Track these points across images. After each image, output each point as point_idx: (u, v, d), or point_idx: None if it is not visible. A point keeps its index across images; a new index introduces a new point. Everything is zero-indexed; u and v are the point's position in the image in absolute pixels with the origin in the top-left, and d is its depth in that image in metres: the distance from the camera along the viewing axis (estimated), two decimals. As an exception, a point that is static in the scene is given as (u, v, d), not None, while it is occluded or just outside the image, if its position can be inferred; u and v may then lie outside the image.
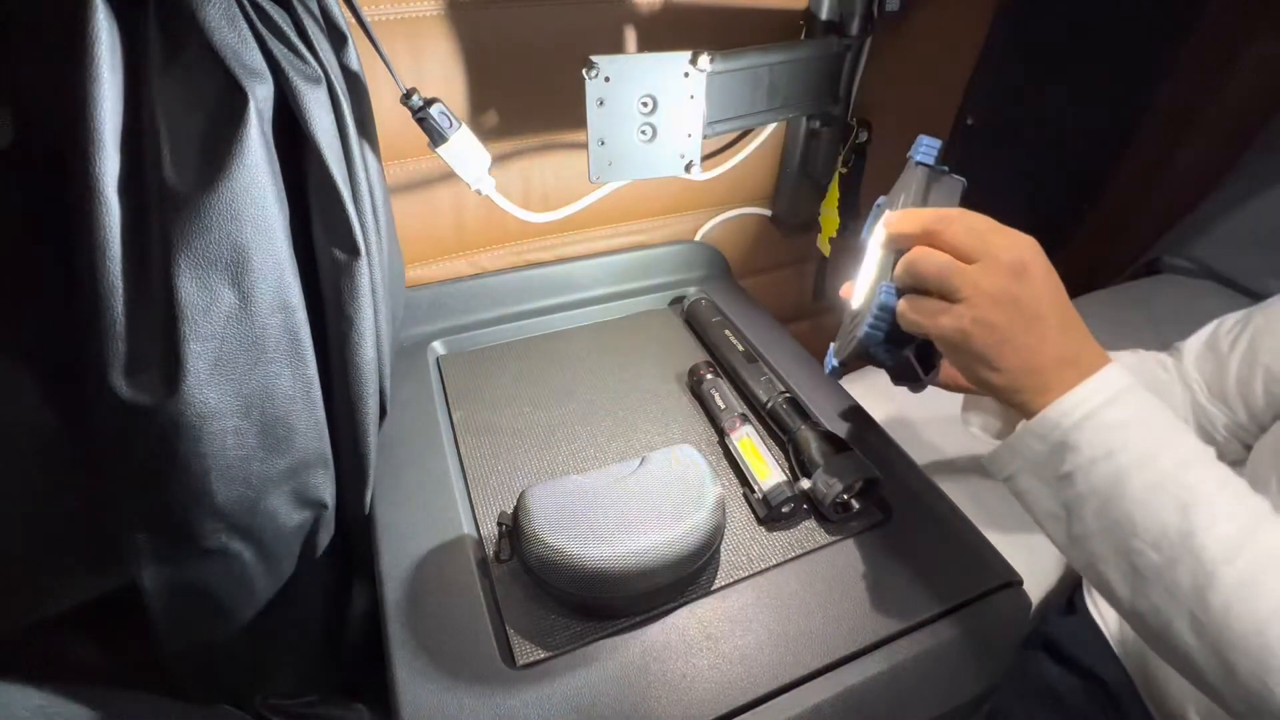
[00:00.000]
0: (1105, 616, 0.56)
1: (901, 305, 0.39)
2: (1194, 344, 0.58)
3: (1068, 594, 0.61)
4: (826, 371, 0.47)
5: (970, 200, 0.45)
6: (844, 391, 0.61)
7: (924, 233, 0.38)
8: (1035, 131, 1.01)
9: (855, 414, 0.59)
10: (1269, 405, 0.51)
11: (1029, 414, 0.37)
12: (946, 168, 0.43)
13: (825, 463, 0.48)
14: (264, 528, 0.45)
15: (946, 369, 0.50)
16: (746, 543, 0.49)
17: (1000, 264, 0.36)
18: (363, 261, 0.43)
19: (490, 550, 0.47)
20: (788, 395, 0.57)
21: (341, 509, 0.51)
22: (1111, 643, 0.54)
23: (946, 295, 0.37)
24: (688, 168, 0.65)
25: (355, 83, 0.44)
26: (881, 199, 0.50)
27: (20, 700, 0.35)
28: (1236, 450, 0.55)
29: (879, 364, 0.45)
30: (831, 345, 0.48)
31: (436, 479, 0.52)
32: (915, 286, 0.38)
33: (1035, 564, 0.64)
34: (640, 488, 0.44)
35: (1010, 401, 0.38)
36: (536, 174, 0.67)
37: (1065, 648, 0.55)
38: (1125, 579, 0.35)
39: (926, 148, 0.43)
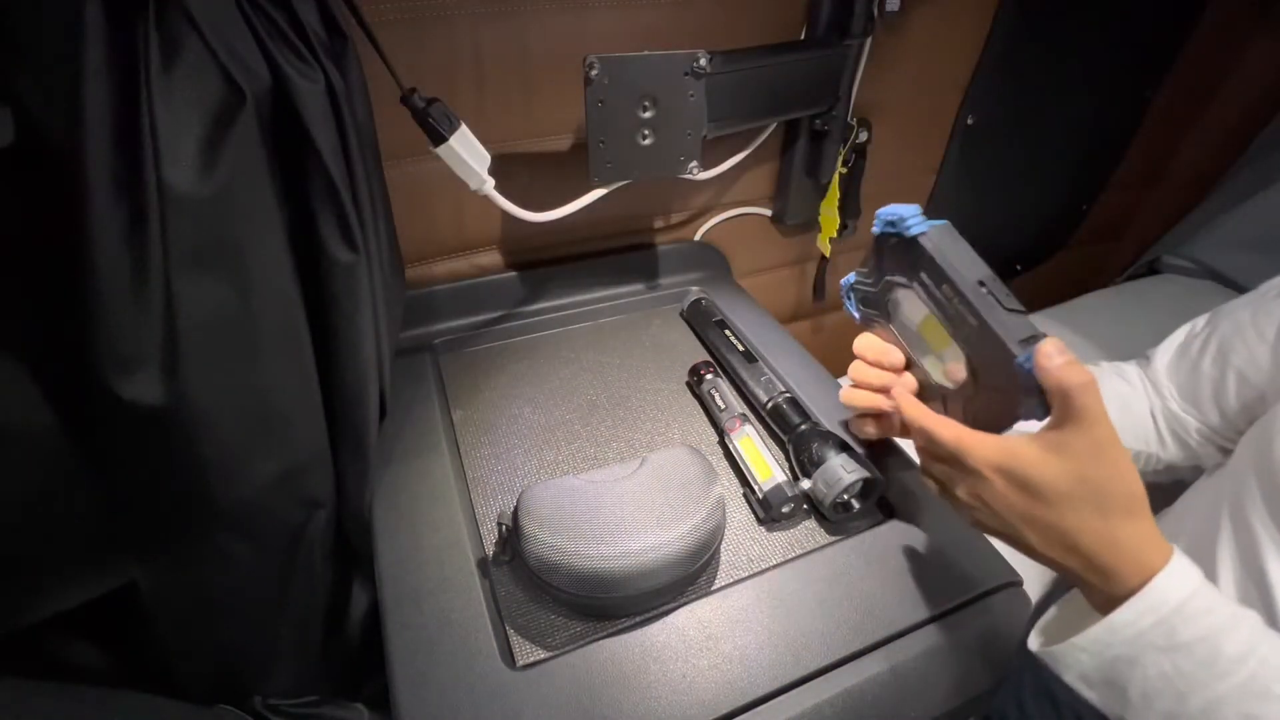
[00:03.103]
0: None
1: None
2: (1166, 350, 0.59)
3: (1063, 594, 0.61)
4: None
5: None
6: (844, 391, 0.61)
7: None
8: (1035, 131, 1.01)
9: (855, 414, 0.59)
10: (1243, 409, 0.52)
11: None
12: (923, 225, 0.42)
13: (825, 463, 0.48)
14: (264, 528, 0.45)
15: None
16: (746, 543, 0.49)
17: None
18: (363, 261, 0.43)
19: (490, 550, 0.47)
20: (788, 395, 0.57)
21: (341, 509, 0.51)
22: None
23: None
24: (688, 168, 0.65)
25: (355, 83, 0.44)
26: (851, 277, 0.50)
27: (20, 700, 0.35)
28: (1210, 453, 0.56)
29: None
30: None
31: (436, 479, 0.51)
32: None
33: (1032, 564, 0.64)
34: (640, 488, 0.44)
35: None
36: (536, 174, 0.67)
37: None
38: None
39: (914, 219, 0.42)
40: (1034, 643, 0.38)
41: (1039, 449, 0.35)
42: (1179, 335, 0.59)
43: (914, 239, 0.41)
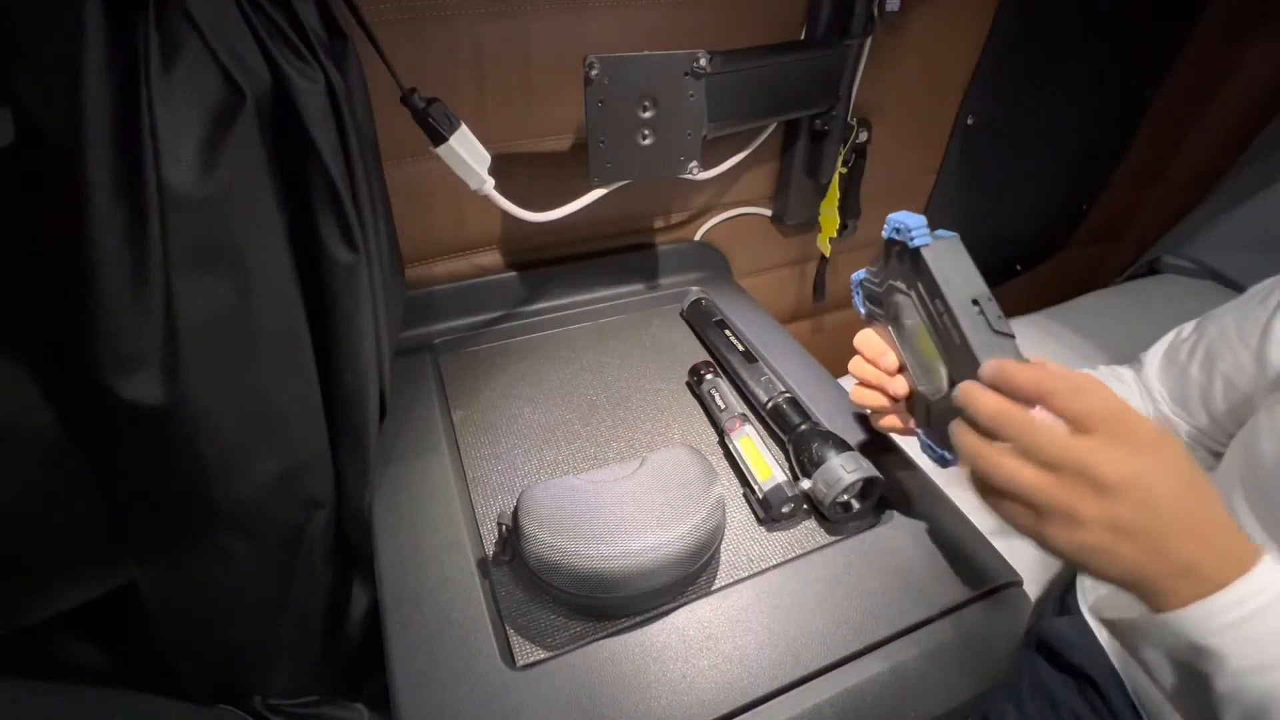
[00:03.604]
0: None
1: (991, 504, 0.36)
2: (1154, 355, 0.60)
3: (1061, 594, 0.62)
4: (934, 460, 0.45)
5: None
6: (844, 391, 0.61)
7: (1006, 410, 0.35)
8: (1035, 131, 1.01)
9: (855, 414, 0.59)
10: (1230, 412, 0.52)
11: (1154, 608, 0.33)
12: (927, 238, 0.41)
13: (825, 463, 0.48)
14: (264, 528, 0.45)
15: None
16: (746, 543, 0.49)
17: (1094, 486, 0.32)
18: (363, 261, 0.43)
19: (490, 550, 0.47)
20: (788, 395, 0.57)
21: (341, 509, 0.51)
22: (1103, 643, 0.54)
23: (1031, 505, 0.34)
24: (688, 168, 0.65)
25: (355, 83, 0.44)
26: (861, 273, 0.50)
27: (20, 700, 0.35)
28: (1202, 456, 0.57)
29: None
30: (921, 431, 0.47)
31: (436, 479, 0.51)
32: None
33: (1030, 564, 0.64)
34: (640, 488, 0.44)
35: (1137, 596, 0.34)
36: (536, 174, 0.67)
37: (1057, 647, 0.55)
38: None
39: (919, 230, 0.41)
40: (1091, 617, 0.36)
41: (1148, 446, 0.32)
42: (1165, 340, 0.60)
43: (916, 250, 0.41)
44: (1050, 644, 0.56)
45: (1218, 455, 0.54)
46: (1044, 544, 0.34)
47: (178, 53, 0.32)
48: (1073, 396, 0.33)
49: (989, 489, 0.35)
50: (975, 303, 0.39)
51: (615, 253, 0.78)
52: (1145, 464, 0.32)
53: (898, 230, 0.43)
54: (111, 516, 0.41)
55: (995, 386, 0.36)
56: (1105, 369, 0.64)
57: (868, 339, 0.49)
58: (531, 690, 0.38)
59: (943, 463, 0.45)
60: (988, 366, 0.36)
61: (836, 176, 0.82)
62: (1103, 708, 0.52)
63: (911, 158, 0.94)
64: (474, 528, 0.49)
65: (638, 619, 0.42)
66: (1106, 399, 0.33)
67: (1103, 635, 0.55)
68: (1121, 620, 0.35)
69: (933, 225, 0.42)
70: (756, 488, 0.50)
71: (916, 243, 0.41)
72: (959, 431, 0.37)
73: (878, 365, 0.48)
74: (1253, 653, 0.31)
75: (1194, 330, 0.57)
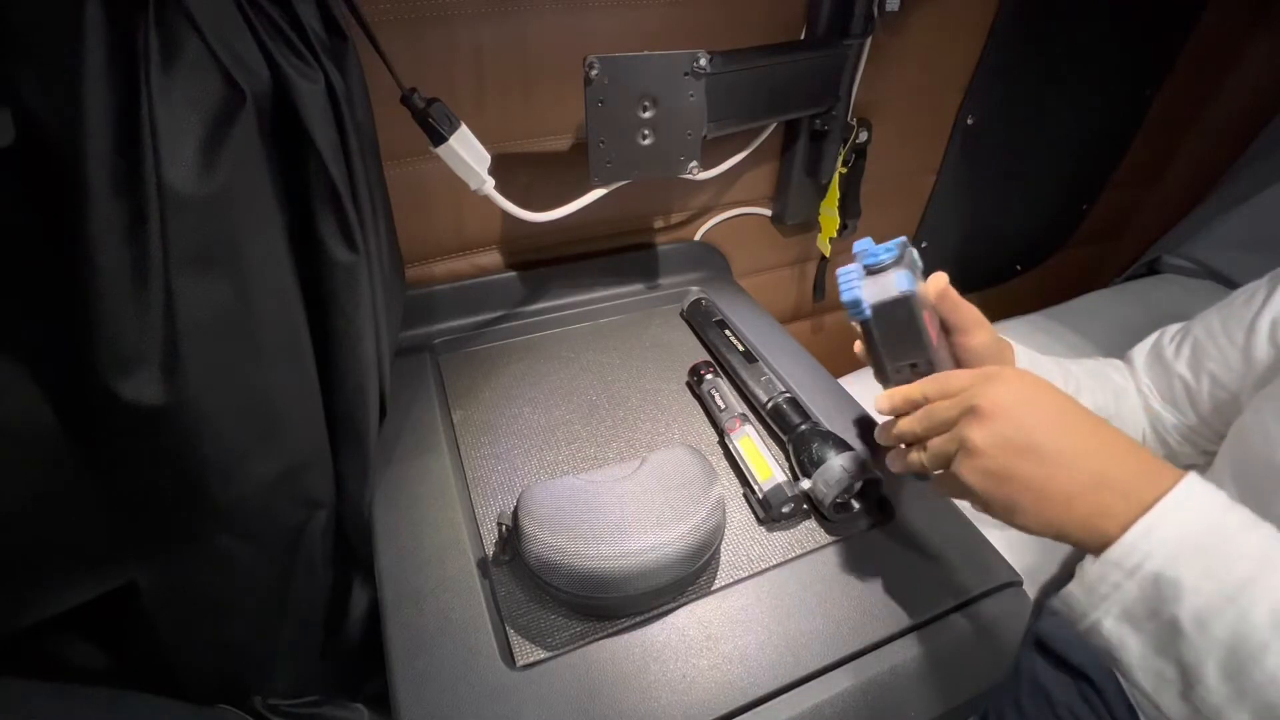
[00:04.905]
0: None
1: (946, 490, 0.40)
2: (1140, 352, 0.61)
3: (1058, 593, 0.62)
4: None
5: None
6: (844, 391, 0.61)
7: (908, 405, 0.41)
8: (1035, 131, 1.01)
9: (855, 414, 0.59)
10: (1216, 410, 0.53)
11: (1097, 548, 0.32)
12: (864, 314, 0.41)
13: (825, 463, 0.48)
14: (264, 528, 0.45)
15: None
16: (746, 543, 0.49)
17: (977, 412, 0.36)
18: (363, 261, 0.43)
19: (490, 550, 0.47)
20: (788, 395, 0.57)
21: (341, 509, 0.51)
22: None
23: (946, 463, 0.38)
24: (688, 168, 0.65)
25: (355, 83, 0.44)
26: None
27: (21, 701, 0.35)
28: (1189, 453, 0.57)
29: None
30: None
31: (436, 479, 0.52)
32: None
33: (1030, 563, 0.64)
34: (640, 488, 0.44)
35: (1077, 544, 0.33)
36: (536, 174, 0.67)
37: (1055, 645, 0.55)
38: None
39: (854, 310, 0.41)
40: (1057, 604, 0.35)
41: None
42: (1149, 341, 0.61)
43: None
44: (1049, 644, 0.56)
45: (1209, 454, 0.54)
46: (966, 489, 0.36)
47: (178, 53, 0.32)
48: (936, 383, 0.39)
49: (937, 481, 0.40)
50: (914, 366, 0.42)
51: (615, 253, 0.78)
52: (1012, 389, 0.36)
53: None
54: (111, 517, 0.40)
55: (893, 412, 0.42)
56: (1105, 361, 0.64)
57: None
58: (531, 690, 0.38)
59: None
60: (878, 401, 0.42)
61: (836, 176, 0.82)
62: (1101, 707, 0.52)
63: (911, 158, 0.94)
64: (474, 528, 0.49)
65: (638, 619, 0.42)
66: (962, 372, 0.39)
67: None
68: (1069, 592, 0.34)
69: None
70: (756, 488, 0.50)
71: (854, 318, 0.42)
72: (893, 459, 0.43)
73: None
74: (1207, 577, 0.29)
75: (1180, 330, 0.58)
